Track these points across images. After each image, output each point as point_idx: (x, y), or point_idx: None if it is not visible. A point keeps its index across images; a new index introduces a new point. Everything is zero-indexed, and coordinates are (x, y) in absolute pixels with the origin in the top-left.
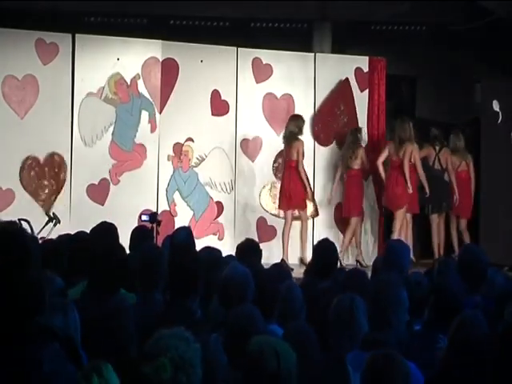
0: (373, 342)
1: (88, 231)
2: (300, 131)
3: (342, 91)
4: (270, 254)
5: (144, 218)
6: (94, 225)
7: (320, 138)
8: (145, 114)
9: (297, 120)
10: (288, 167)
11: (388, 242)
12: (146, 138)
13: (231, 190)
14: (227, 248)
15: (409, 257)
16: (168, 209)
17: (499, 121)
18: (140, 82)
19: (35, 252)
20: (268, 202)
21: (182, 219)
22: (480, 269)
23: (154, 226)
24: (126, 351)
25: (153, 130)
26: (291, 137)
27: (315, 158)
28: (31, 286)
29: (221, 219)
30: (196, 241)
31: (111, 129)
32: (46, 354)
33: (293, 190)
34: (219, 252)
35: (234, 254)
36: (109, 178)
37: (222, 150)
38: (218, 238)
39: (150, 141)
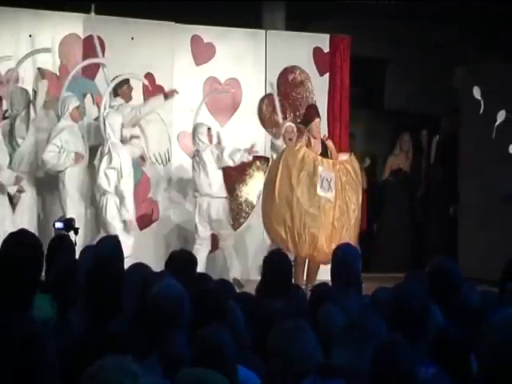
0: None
1: None
2: None
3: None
4: None
5: (58, 225)
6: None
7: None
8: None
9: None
10: None
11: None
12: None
13: (167, 161)
14: (162, 234)
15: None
16: None
17: (481, 111)
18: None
19: None
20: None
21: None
22: (452, 283)
23: (72, 234)
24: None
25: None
26: None
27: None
28: None
29: (155, 195)
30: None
31: None
32: None
33: None
34: (150, 269)
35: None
36: None
37: (156, 115)
38: (152, 219)
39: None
